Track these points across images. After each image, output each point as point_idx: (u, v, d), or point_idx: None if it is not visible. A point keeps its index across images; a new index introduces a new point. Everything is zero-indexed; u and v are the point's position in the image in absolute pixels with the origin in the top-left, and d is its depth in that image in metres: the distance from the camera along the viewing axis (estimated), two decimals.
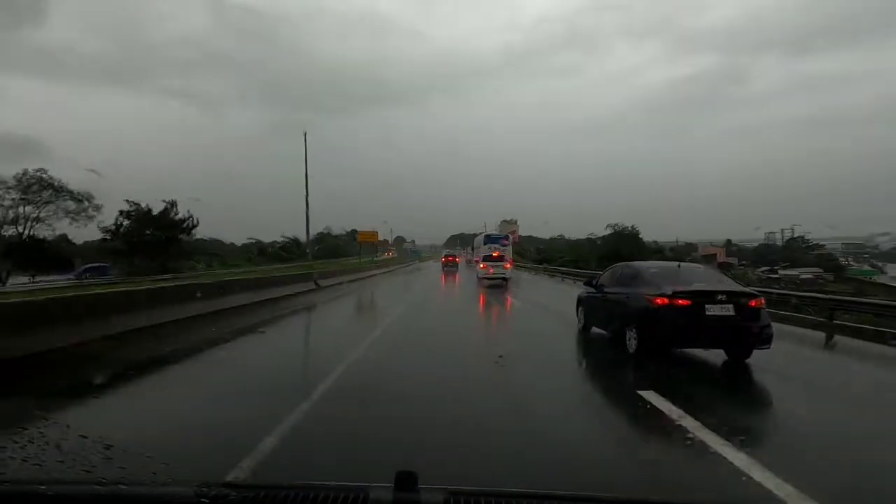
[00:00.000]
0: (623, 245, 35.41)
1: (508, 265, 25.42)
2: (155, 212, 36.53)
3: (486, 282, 23.85)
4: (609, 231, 37.89)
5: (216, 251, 46.07)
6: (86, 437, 1.40)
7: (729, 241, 74.37)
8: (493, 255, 25.88)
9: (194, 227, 38.09)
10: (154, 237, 35.07)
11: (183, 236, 37.57)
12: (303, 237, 44.83)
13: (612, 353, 7.71)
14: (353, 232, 72.69)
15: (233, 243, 56.61)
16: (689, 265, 8.60)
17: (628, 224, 36.81)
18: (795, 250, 59.90)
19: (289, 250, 38.12)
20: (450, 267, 40.94)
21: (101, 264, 29.96)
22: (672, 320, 6.76)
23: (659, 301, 6.90)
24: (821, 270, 43.26)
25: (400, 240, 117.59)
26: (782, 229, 68.46)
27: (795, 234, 67.11)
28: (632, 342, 7.31)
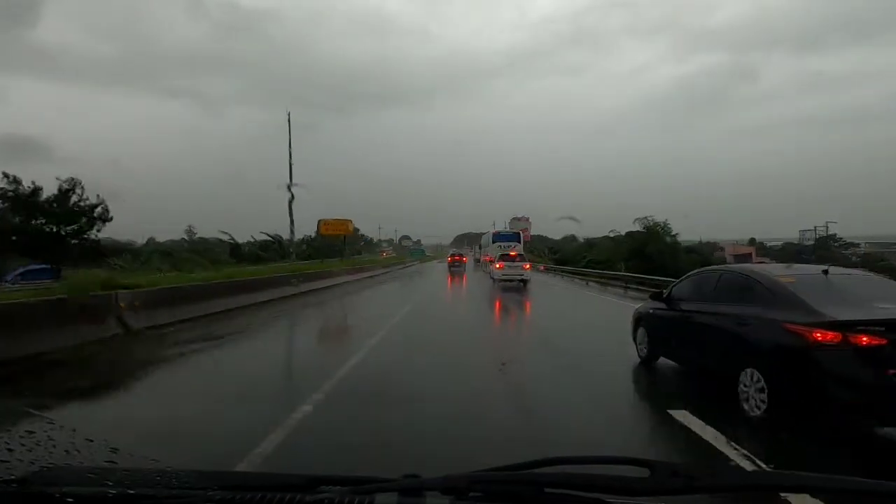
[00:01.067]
0: (652, 243, 32.01)
1: (527, 266, 22.88)
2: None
3: (503, 284, 21.42)
4: (637, 227, 34.28)
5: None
6: (92, 441, 1.21)
7: (753, 240, 70.31)
8: (511, 254, 23.31)
9: (107, 219, 29.23)
10: (40, 230, 26.14)
11: (91, 231, 28.46)
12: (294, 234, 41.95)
13: (706, 410, 4.60)
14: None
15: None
16: (843, 270, 5.50)
17: (658, 219, 33.19)
18: (828, 249, 55.76)
19: (269, 249, 32.38)
20: (456, 267, 37.29)
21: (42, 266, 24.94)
22: (849, 372, 3.72)
23: (818, 335, 3.85)
24: (868, 272, 39.03)
25: (404, 239, 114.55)
26: (815, 227, 64.02)
27: (828, 233, 62.66)
28: (753, 399, 4.29)
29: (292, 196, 26.32)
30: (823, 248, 57.37)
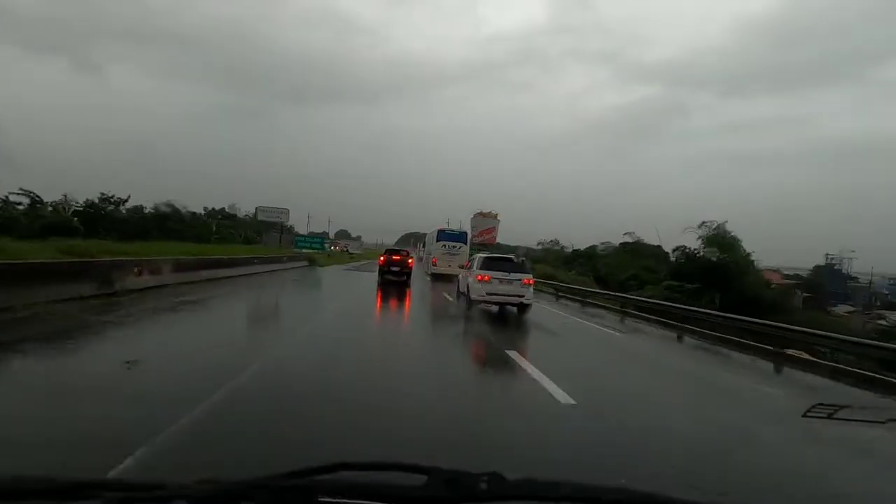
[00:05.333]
0: (738, 270, 19.37)
1: (528, 281, 13.35)
2: None
3: (488, 307, 13.17)
4: (696, 239, 21.38)
5: None
6: None
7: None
8: (506, 265, 13.55)
9: None
10: None
11: None
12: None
13: None
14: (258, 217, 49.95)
15: None
16: None
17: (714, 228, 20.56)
18: (841, 281, 47.04)
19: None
20: (393, 276, 20.39)
21: None
22: None
23: None
24: None
25: (343, 234, 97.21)
26: (828, 255, 55.12)
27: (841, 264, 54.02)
28: None
29: None
30: (838, 280, 48.81)
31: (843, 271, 51.32)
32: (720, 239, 20.97)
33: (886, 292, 46.31)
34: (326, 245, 48.71)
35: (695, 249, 21.35)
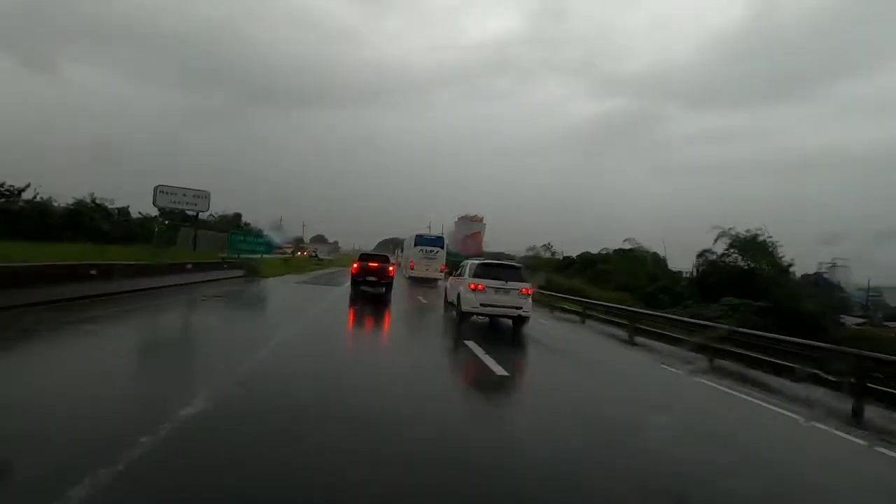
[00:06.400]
0: (765, 275, 17.08)
1: (527, 290, 11.60)
2: None
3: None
4: (720, 244, 19.02)
5: None
6: None
7: None
8: (502, 272, 11.65)
9: None
10: None
11: None
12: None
13: None
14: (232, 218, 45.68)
15: None
16: None
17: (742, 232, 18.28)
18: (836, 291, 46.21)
19: None
20: (370, 287, 16.90)
21: None
22: None
23: None
24: None
25: (319, 238, 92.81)
26: (820, 263, 54.12)
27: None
28: None
29: None
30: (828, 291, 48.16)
31: (836, 281, 50.34)
32: (754, 243, 18.77)
33: (870, 303, 45.88)
34: (285, 247, 39.50)
35: (721, 255, 19.18)
